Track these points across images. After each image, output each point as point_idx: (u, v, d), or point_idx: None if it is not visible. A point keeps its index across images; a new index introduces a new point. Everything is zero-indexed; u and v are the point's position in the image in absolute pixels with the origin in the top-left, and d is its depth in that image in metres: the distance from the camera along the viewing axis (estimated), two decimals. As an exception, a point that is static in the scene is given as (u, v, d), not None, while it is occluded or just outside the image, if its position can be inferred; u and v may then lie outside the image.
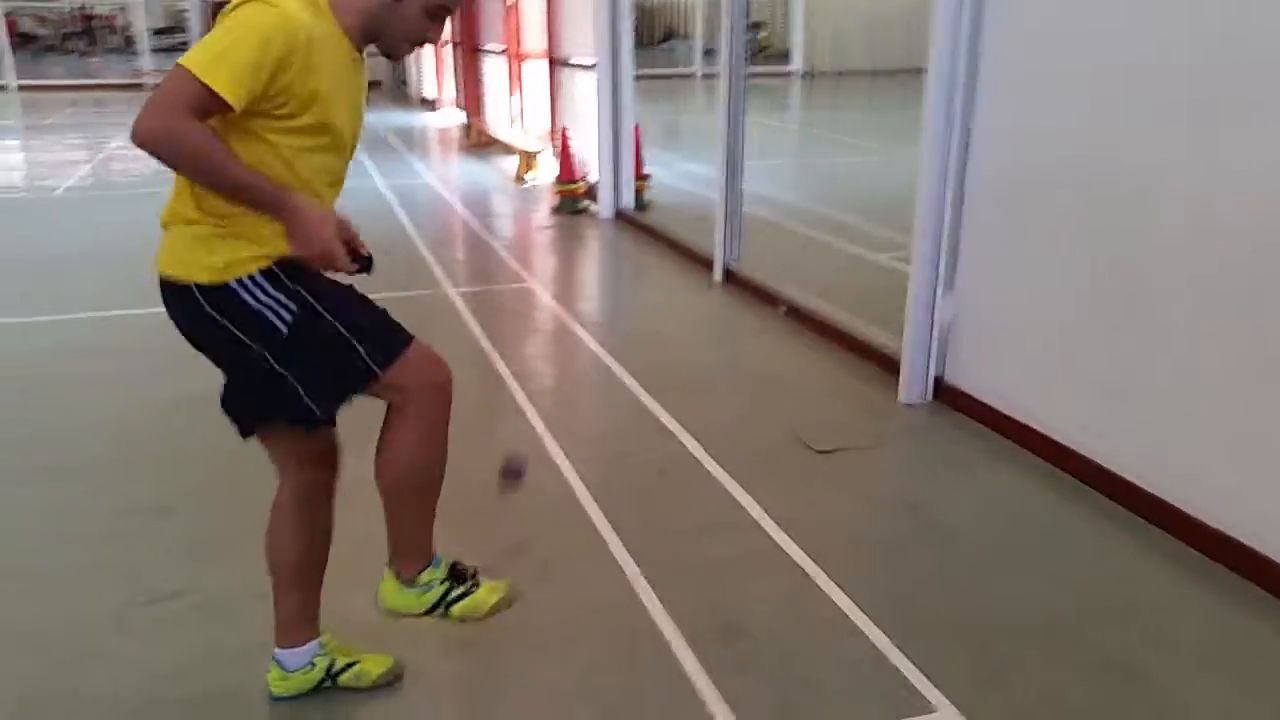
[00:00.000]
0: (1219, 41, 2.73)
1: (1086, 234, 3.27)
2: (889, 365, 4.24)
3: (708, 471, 3.48)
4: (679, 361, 4.69)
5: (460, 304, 5.48)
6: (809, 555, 2.92)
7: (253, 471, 2.32)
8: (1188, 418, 2.95)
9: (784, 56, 24.20)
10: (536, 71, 10.21)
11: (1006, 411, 3.69)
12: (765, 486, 3.34)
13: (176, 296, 1.91)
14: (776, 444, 3.72)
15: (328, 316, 1.96)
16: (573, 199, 8.09)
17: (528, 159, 9.63)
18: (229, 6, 1.79)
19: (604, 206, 7.86)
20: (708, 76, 20.80)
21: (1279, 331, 2.64)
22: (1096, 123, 3.19)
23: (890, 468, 3.63)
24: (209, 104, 1.72)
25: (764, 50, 27.04)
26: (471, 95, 13.32)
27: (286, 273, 1.93)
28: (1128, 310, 3.13)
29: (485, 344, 4.81)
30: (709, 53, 24.86)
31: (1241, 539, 2.78)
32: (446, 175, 10.28)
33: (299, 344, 1.93)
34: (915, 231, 3.92)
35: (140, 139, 1.69)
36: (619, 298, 6.24)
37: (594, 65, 7.77)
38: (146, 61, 21.40)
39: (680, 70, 23.38)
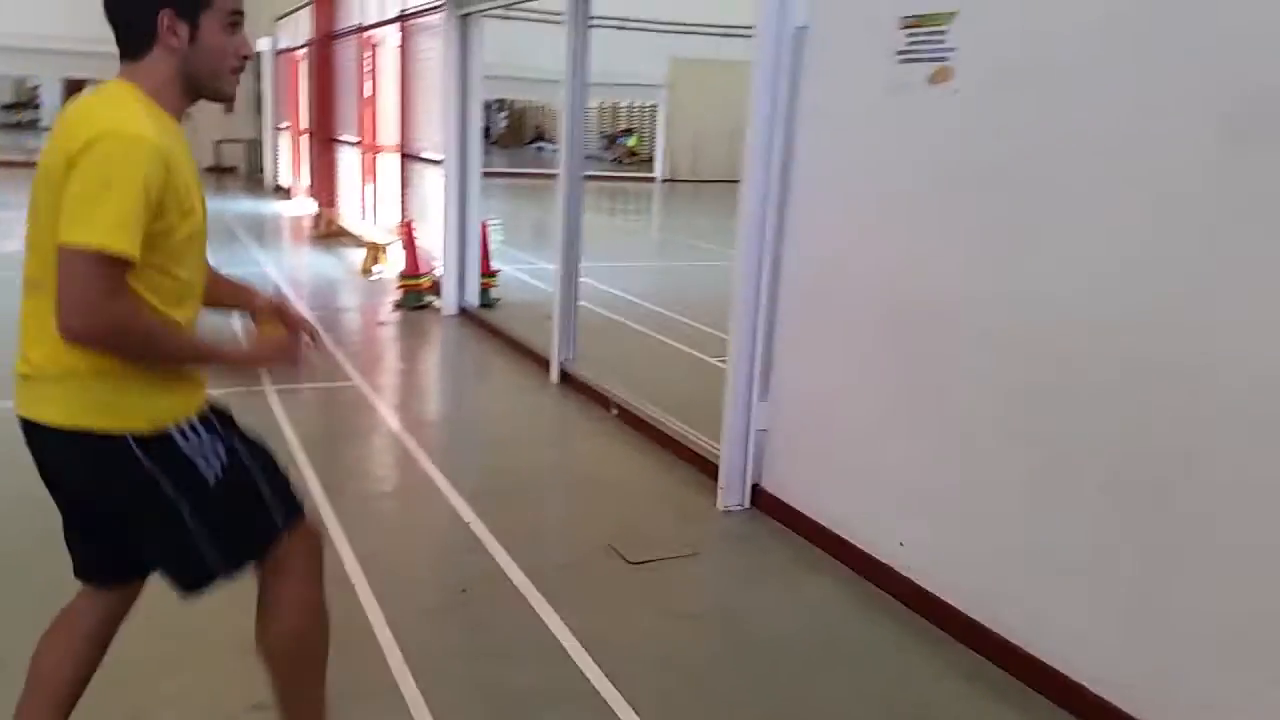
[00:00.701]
0: (997, 173, 2.83)
1: (890, 347, 3.30)
2: (711, 470, 4.18)
3: (515, 588, 3.28)
4: (503, 466, 4.51)
5: (277, 405, 5.17)
6: (612, 681, 2.75)
7: None
8: (986, 532, 2.95)
9: (652, 162, 24.84)
10: (389, 164, 10.09)
11: (819, 520, 3.65)
12: (574, 603, 3.17)
13: (91, 448, 1.74)
14: (591, 555, 3.57)
15: (252, 470, 1.89)
16: (416, 294, 7.90)
17: (375, 251, 9.42)
18: (79, 140, 1.62)
19: (448, 302, 7.70)
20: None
21: (1072, 446, 2.67)
22: (895, 243, 3.26)
23: (704, 580, 3.52)
24: (122, 272, 1.62)
25: (635, 156, 27.75)
26: (324, 185, 13.08)
27: (217, 417, 1.88)
28: (929, 423, 3.14)
29: (297, 451, 4.52)
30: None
31: (1046, 660, 2.75)
32: (290, 266, 9.96)
33: (221, 496, 1.83)
34: (730, 341, 3.91)
35: (84, 339, 1.62)
36: (451, 398, 6.05)
37: (443, 160, 7.70)
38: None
39: (548, 170, 23.68)
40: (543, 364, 6.01)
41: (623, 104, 28.35)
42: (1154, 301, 2.42)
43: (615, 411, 5.18)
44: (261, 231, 12.34)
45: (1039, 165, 2.70)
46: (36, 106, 29.38)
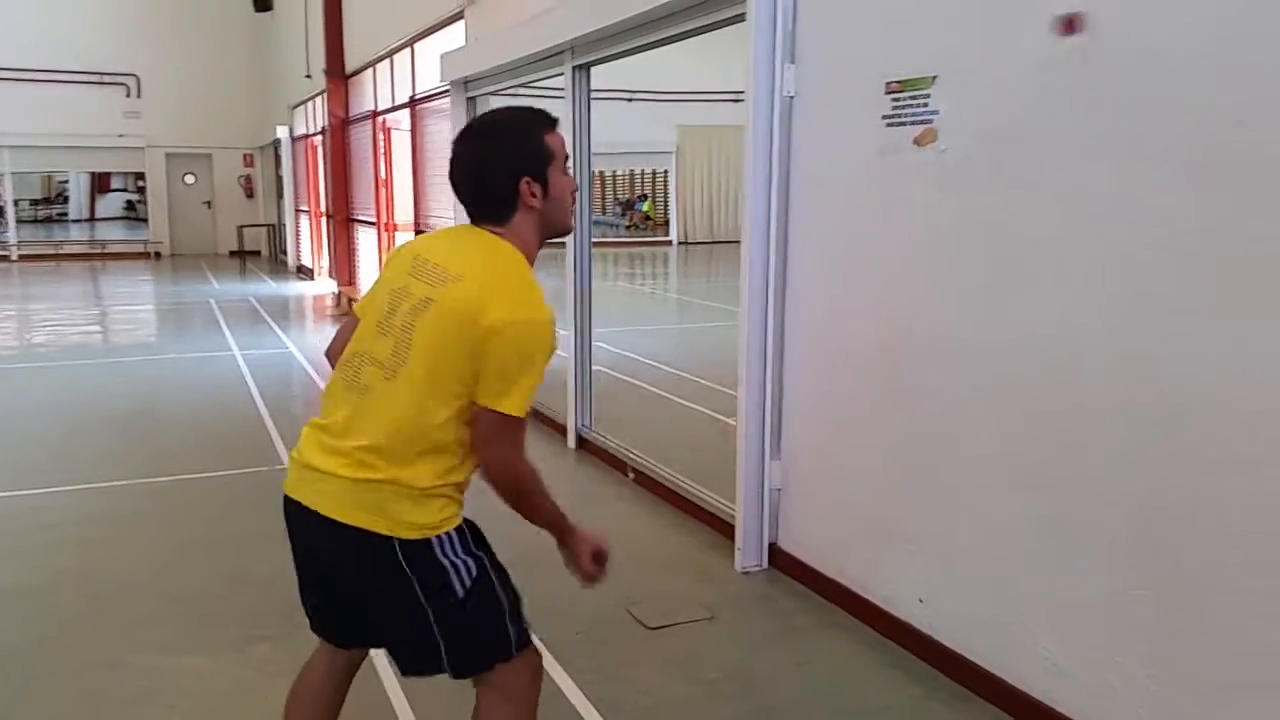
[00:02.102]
0: (987, 226, 2.88)
1: (896, 400, 3.33)
2: (728, 531, 4.18)
3: (531, 656, 3.29)
4: (519, 533, 4.49)
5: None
6: (627, 748, 2.74)
7: None
8: (1004, 585, 2.94)
9: (668, 226, 25.09)
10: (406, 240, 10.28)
11: (837, 579, 3.64)
12: (592, 670, 3.17)
13: (367, 546, 1.88)
14: (609, 620, 3.57)
15: (497, 586, 2.00)
16: (433, 367, 7.98)
17: (392, 327, 9.55)
18: (499, 316, 1.82)
19: (464, 374, 7.77)
20: (596, 244, 21.32)
21: (1082, 494, 2.67)
22: (893, 299, 3.30)
23: (723, 643, 3.50)
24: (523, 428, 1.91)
25: (650, 220, 28.09)
26: (343, 264, 13.32)
27: (472, 534, 2.01)
28: (941, 476, 3.15)
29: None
30: (594, 224, 25.66)
31: (1070, 715, 2.71)
32: (310, 344, 10.10)
33: (466, 608, 1.94)
34: (740, 399, 3.95)
35: (506, 478, 1.92)
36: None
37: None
38: (12, 234, 20.81)
39: (559, 239, 23.88)
40: (560, 430, 6.05)
41: (637, 171, 28.80)
42: (1143, 347, 2.44)
43: (633, 475, 5.21)
44: (285, 311, 12.56)
45: (1025, 219, 2.75)
46: (64, 200, 30.17)
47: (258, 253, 21.57)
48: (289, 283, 16.21)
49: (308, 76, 14.77)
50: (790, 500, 3.94)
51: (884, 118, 3.19)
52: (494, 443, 1.89)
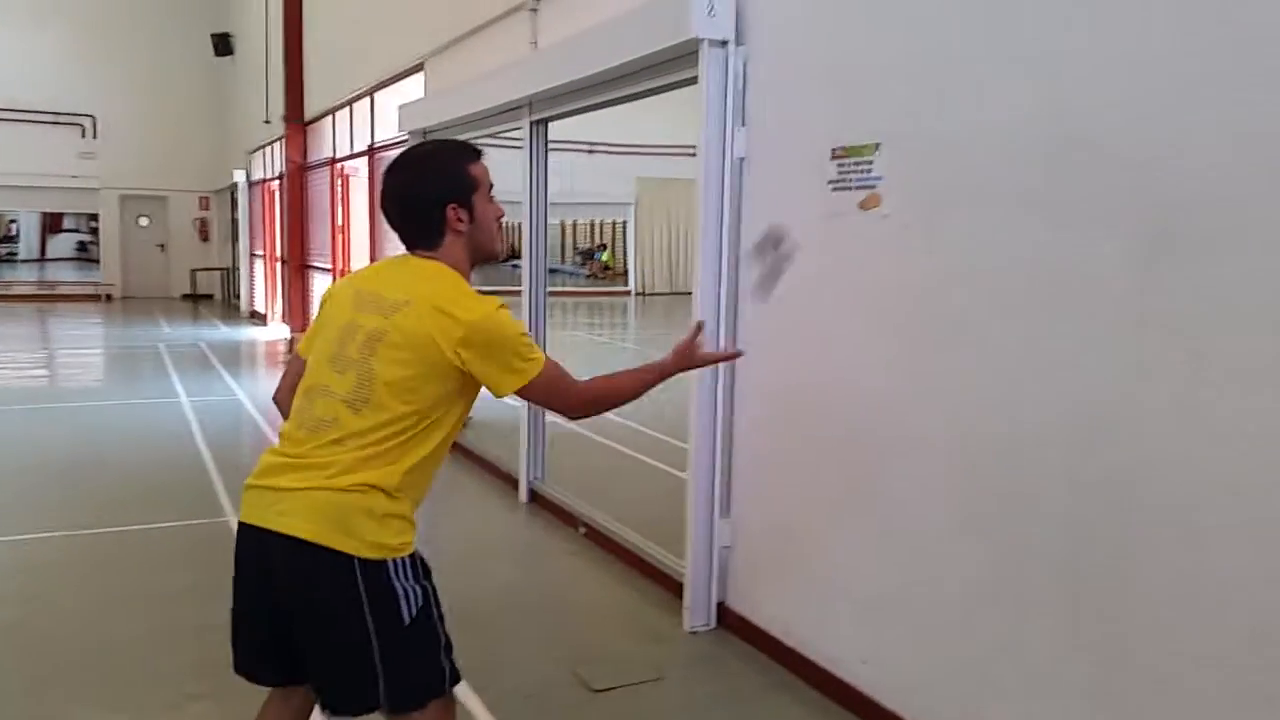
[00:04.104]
0: (928, 292, 2.93)
1: (841, 460, 3.35)
2: (677, 589, 4.15)
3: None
4: (467, 589, 4.45)
5: (234, 520, 5.12)
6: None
7: None
8: (946, 647, 2.94)
9: (626, 276, 25.21)
10: (359, 289, 10.22)
11: (783, 640, 3.62)
12: (530, 735, 3.12)
13: (326, 564, 1.90)
14: (555, 683, 3.51)
15: (437, 620, 2.03)
16: (385, 417, 7.90)
17: (345, 375, 9.46)
18: (460, 326, 1.96)
19: (416, 424, 7.70)
20: (551, 294, 21.31)
21: (1024, 557, 2.69)
22: (839, 359, 3.33)
23: (669, 707, 3.46)
24: (559, 368, 2.10)
25: (609, 270, 28.23)
26: (297, 310, 13.20)
27: (423, 564, 2.04)
28: (885, 538, 3.16)
29: (256, 578, 4.47)
30: (553, 272, 25.71)
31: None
32: (260, 391, 9.95)
33: (409, 637, 1.97)
34: (690, 456, 3.94)
35: (590, 409, 2.19)
36: (419, 520, 5.99)
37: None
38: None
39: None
40: (512, 483, 6.00)
41: (597, 221, 28.99)
42: (1083, 411, 2.48)
43: (584, 530, 5.16)
44: (235, 357, 12.39)
45: (967, 283, 2.80)
46: (14, 239, 29.67)
47: (211, 297, 21.32)
48: (241, 328, 16.02)
49: (266, 122, 14.74)
50: (739, 559, 3.93)
51: (830, 182, 3.25)
52: (554, 399, 2.11)
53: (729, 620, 3.95)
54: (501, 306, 2.02)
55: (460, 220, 2.08)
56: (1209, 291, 2.19)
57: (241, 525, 2.02)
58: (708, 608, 3.98)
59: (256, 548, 1.98)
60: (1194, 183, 2.21)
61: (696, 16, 3.62)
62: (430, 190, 2.08)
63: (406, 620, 1.95)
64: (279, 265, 14.74)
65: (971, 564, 2.85)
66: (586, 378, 2.20)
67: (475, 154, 2.14)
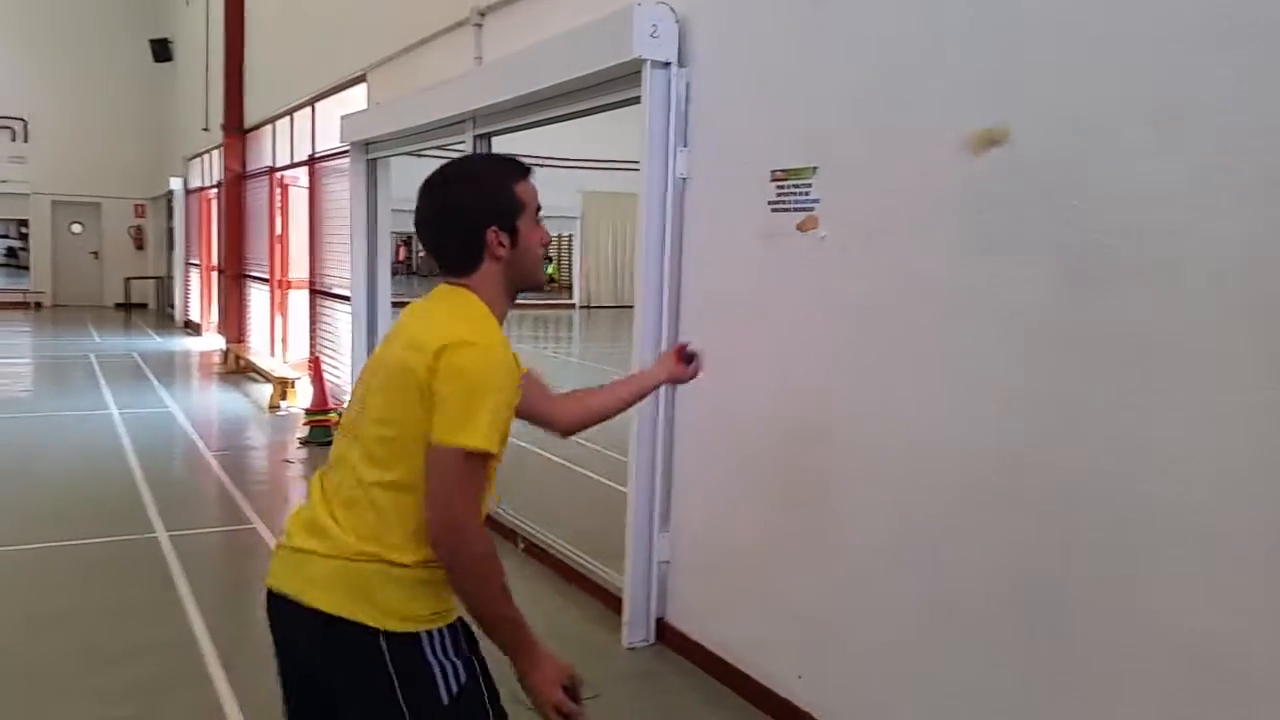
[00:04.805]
0: (863, 312, 2.99)
1: (778, 477, 3.39)
2: (617, 605, 4.15)
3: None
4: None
5: (170, 551, 5.02)
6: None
7: None
8: (879, 662, 2.98)
9: (571, 289, 25.20)
10: (299, 299, 10.09)
11: (722, 655, 3.65)
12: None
13: (347, 638, 1.68)
14: (491, 700, 3.49)
15: (486, 695, 1.78)
16: (324, 429, 7.79)
17: (282, 387, 9.33)
18: (432, 348, 1.68)
19: (355, 438, 7.61)
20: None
21: (955, 574, 2.74)
22: (776, 378, 3.38)
23: (605, 723, 3.46)
24: (484, 469, 1.70)
25: (554, 282, 28.24)
26: (233, 321, 12.98)
27: (466, 634, 1.80)
28: (821, 553, 3.20)
29: (186, 599, 4.38)
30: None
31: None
32: (194, 403, 9.77)
33: (450, 717, 1.73)
34: (630, 470, 3.96)
35: (450, 540, 1.66)
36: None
37: (351, 295, 7.74)
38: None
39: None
40: (451, 500, 5.94)
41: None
42: (1017, 433, 2.54)
43: (523, 546, 5.14)
44: (169, 368, 12.13)
45: (900, 305, 2.86)
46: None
47: (145, 306, 20.87)
48: (176, 338, 15.70)
49: (205, 129, 14.50)
50: (678, 574, 3.95)
51: (769, 203, 3.30)
52: (437, 488, 1.66)
53: (668, 636, 3.96)
54: (501, 347, 1.74)
55: (501, 245, 1.82)
56: (1134, 315, 2.26)
57: (267, 589, 1.82)
58: (647, 623, 3.99)
59: (280, 615, 1.80)
60: (1116, 210, 2.29)
61: (639, 37, 3.65)
62: (469, 210, 1.83)
63: (445, 700, 1.71)
64: (215, 275, 14.48)
65: (908, 582, 2.89)
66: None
67: (523, 171, 1.89)
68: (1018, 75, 2.51)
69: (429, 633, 1.72)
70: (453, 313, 1.79)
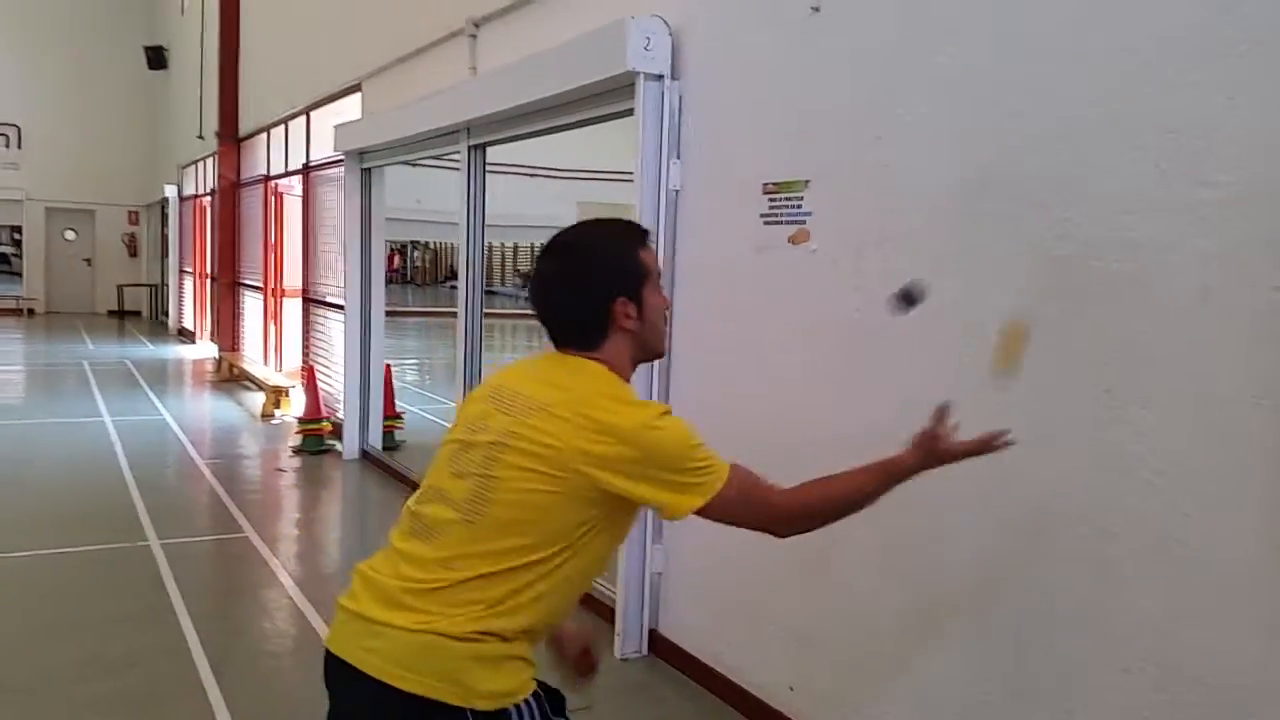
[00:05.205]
0: (853, 325, 3.01)
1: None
2: (610, 616, 4.15)
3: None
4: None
5: (162, 559, 5.01)
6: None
7: None
8: (869, 674, 3.00)
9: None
10: (293, 308, 10.09)
11: (714, 666, 3.65)
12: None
13: (422, 716, 1.57)
14: (483, 711, 3.49)
15: None
16: (317, 438, 7.80)
17: (276, 395, 9.32)
18: (625, 424, 1.63)
19: (349, 447, 7.62)
20: (488, 315, 21.24)
21: (940, 587, 2.76)
22: (766, 389, 3.40)
23: (598, 733, 3.46)
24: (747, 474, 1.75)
25: (538, 291, 28.29)
26: (227, 329, 12.97)
27: (550, 696, 1.72)
28: (812, 564, 3.21)
29: (179, 606, 4.38)
30: (493, 293, 25.61)
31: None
32: (187, 411, 9.76)
33: None
34: (623, 483, 3.96)
35: (797, 525, 1.82)
36: (349, 548, 5.89)
37: (345, 304, 7.75)
38: None
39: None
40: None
41: (537, 244, 29.00)
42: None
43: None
44: (163, 376, 12.12)
45: (889, 319, 2.86)
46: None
47: (138, 313, 20.83)
48: (169, 346, 15.68)
49: (200, 137, 14.51)
50: (671, 585, 3.95)
51: (761, 216, 3.32)
52: (750, 513, 1.75)
53: (660, 647, 3.96)
54: (665, 413, 1.68)
55: (629, 317, 1.72)
56: (1115, 329, 2.29)
57: (327, 653, 1.69)
58: (640, 635, 3.99)
59: (343, 683, 1.66)
60: (1099, 224, 2.31)
61: (633, 50, 3.68)
62: (596, 281, 1.72)
63: None
64: (209, 283, 14.47)
65: (892, 594, 2.91)
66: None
67: (645, 236, 1.81)
68: (1005, 91, 2.54)
69: (517, 706, 1.63)
70: (611, 386, 1.70)
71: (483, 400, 1.75)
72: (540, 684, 1.71)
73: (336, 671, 1.66)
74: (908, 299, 2.32)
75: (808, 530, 1.80)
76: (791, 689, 3.29)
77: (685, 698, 3.67)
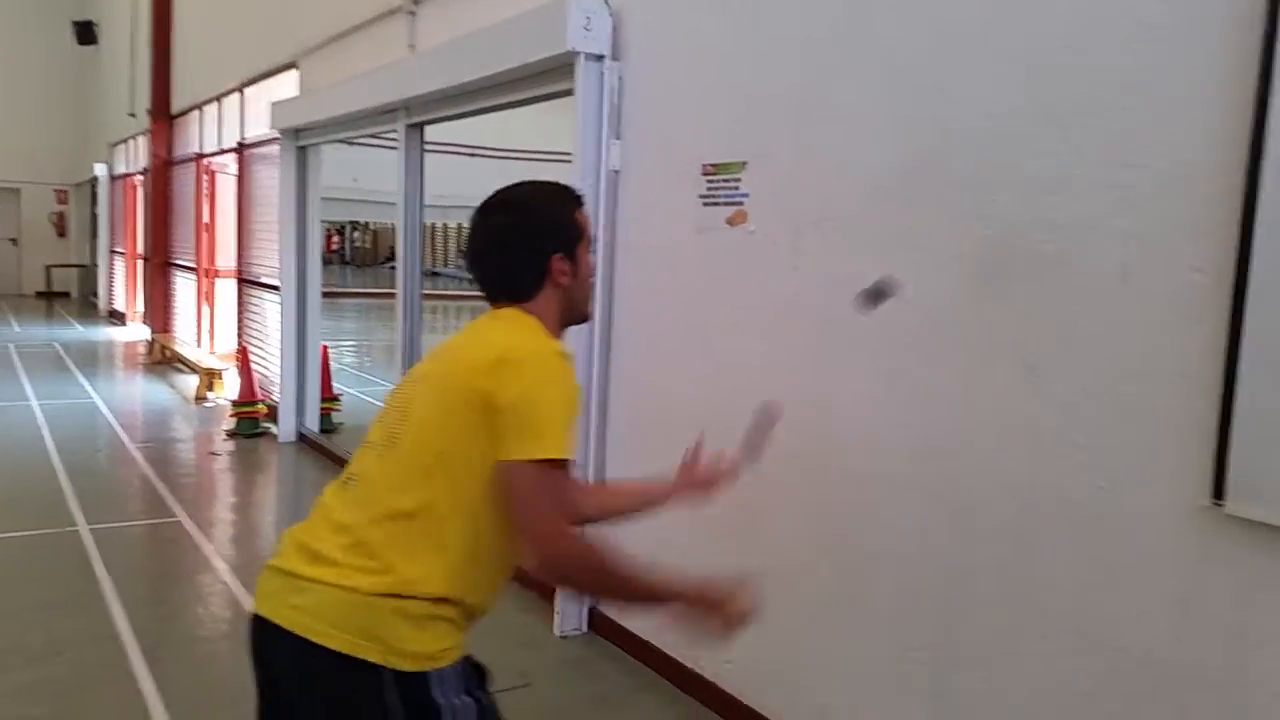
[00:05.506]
0: (790, 306, 3.04)
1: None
2: (551, 594, 4.17)
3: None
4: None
5: (91, 545, 4.90)
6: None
7: None
8: (800, 646, 3.05)
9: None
10: (227, 289, 9.90)
11: (652, 642, 3.69)
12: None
13: (349, 676, 1.55)
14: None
15: None
16: (252, 420, 7.68)
17: (209, 378, 9.15)
18: (506, 370, 1.58)
19: (285, 430, 7.52)
20: (427, 297, 21.01)
21: (869, 562, 2.82)
22: (703, 371, 3.43)
23: (536, 713, 3.47)
24: (567, 481, 1.61)
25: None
26: (159, 310, 12.68)
27: (475, 673, 1.71)
28: (747, 537, 3.26)
29: (109, 592, 4.29)
30: (433, 274, 25.36)
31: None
32: (118, 394, 9.53)
33: None
34: (563, 462, 3.97)
35: (556, 559, 1.58)
36: (279, 532, 5.85)
37: (280, 285, 7.62)
38: None
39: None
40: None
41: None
42: (926, 427, 2.62)
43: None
44: (93, 358, 11.81)
45: (826, 300, 2.93)
46: None
47: (67, 295, 20.25)
48: (99, 328, 15.28)
49: (131, 115, 14.12)
50: (609, 564, 3.97)
51: (700, 197, 3.34)
52: (522, 511, 1.57)
53: (600, 625, 3.99)
54: (567, 358, 1.66)
55: (564, 273, 1.76)
56: (1039, 308, 2.35)
57: (253, 614, 1.68)
58: (579, 612, 4.01)
59: (268, 644, 1.65)
60: (1025, 205, 2.37)
61: (572, 30, 3.67)
62: (535, 236, 1.76)
63: None
64: (141, 263, 14.12)
65: (824, 571, 2.97)
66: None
67: (580, 198, 1.86)
68: (939, 76, 2.59)
69: (438, 672, 1.62)
70: (515, 328, 1.72)
71: (430, 355, 1.81)
72: (466, 658, 1.71)
73: (260, 634, 1.65)
74: (877, 295, 2.36)
75: (560, 582, 1.70)
76: (728, 663, 3.34)
77: (624, 673, 3.70)
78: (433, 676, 1.61)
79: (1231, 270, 1.96)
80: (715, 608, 1.78)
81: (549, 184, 1.86)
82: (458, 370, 1.65)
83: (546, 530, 1.58)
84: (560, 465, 1.58)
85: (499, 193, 1.83)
